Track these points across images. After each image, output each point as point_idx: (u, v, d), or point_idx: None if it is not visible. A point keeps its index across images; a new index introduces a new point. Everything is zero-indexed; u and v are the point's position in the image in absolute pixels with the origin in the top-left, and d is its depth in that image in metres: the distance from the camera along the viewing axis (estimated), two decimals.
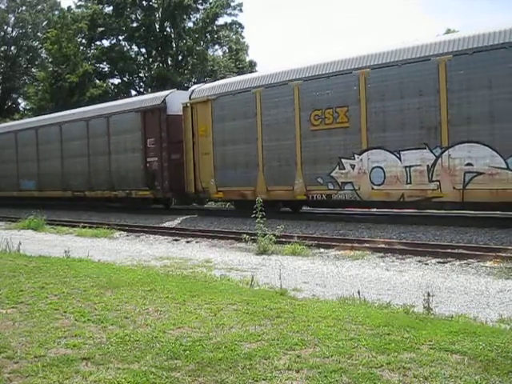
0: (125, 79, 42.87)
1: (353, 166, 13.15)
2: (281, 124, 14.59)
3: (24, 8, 50.96)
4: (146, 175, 18.74)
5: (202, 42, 42.39)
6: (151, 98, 19.51)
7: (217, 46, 44.08)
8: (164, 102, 18.31)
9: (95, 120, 21.02)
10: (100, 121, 20.76)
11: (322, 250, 10.76)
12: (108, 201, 21.60)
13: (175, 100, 18.21)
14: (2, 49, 50.58)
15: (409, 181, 12.16)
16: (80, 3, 42.73)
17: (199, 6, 41.54)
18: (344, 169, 13.32)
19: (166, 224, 16.71)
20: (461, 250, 9.52)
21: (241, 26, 43.43)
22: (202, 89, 17.24)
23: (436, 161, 11.69)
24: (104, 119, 20.57)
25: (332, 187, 13.58)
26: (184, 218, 17.56)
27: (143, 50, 42.82)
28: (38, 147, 24.20)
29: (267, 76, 15.34)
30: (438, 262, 9.01)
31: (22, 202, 26.06)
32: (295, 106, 14.23)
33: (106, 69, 42.62)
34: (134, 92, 41.89)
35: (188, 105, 17.18)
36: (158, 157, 18.26)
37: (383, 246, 10.61)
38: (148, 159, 18.65)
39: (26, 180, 25.27)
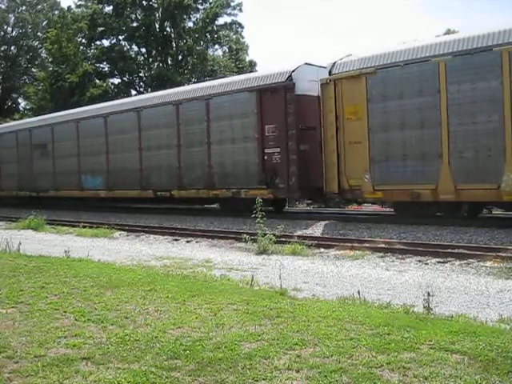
0: (125, 79, 42.89)
1: None
2: (478, 102, 11.22)
3: (24, 8, 50.97)
4: (262, 170, 15.08)
5: (201, 42, 42.42)
6: (271, 74, 15.50)
7: (217, 46, 44.19)
8: (290, 78, 14.76)
9: (189, 104, 17.34)
10: (196, 104, 17.08)
11: (322, 249, 10.76)
12: (204, 202, 18.49)
13: (303, 76, 14.89)
14: (2, 49, 50.58)
15: None
16: (80, 3, 42.83)
17: (199, 6, 41.59)
18: None
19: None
20: (461, 250, 9.52)
21: (241, 25, 43.54)
22: (351, 61, 13.59)
23: None
24: (202, 102, 16.84)
25: None
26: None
27: (143, 50, 42.86)
28: (108, 138, 20.36)
29: (459, 40, 11.73)
30: (438, 262, 9.01)
31: (84, 204, 22.86)
32: (504, 78, 10.84)
33: (106, 69, 42.65)
34: (134, 92, 41.93)
35: (329, 81, 13.70)
36: (282, 147, 14.77)
37: (383, 245, 10.61)
38: (266, 150, 15.05)
39: (89, 177, 21.44)
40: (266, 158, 15.09)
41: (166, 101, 18.44)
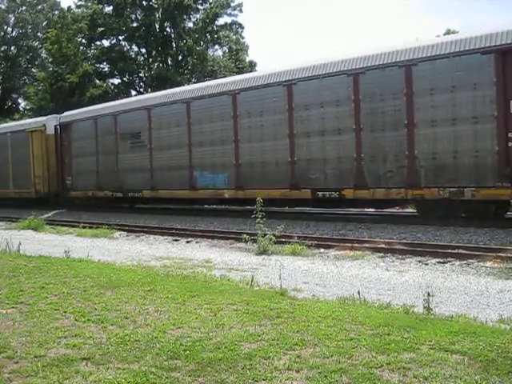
0: (125, 79, 42.89)
1: None
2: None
3: (24, 8, 50.98)
4: (506, 161, 11.11)
5: (201, 42, 42.42)
6: None
7: (217, 46, 44.17)
8: None
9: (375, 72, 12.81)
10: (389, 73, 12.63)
11: (322, 249, 10.76)
12: (392, 204, 14.63)
13: None
14: (2, 49, 50.58)
15: None
16: (80, 3, 42.79)
17: (199, 6, 41.59)
18: None
19: None
20: (461, 250, 9.52)
21: (241, 26, 43.53)
22: None
23: None
24: (401, 69, 12.41)
25: None
26: None
27: (143, 50, 42.85)
28: (238, 121, 15.69)
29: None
30: (438, 262, 9.01)
31: (195, 207, 19.26)
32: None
33: (106, 69, 42.65)
34: (134, 92, 41.94)
35: None
36: None
37: (383, 246, 10.61)
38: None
39: (206, 173, 16.88)
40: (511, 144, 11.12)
41: (343, 69, 13.54)
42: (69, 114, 23.19)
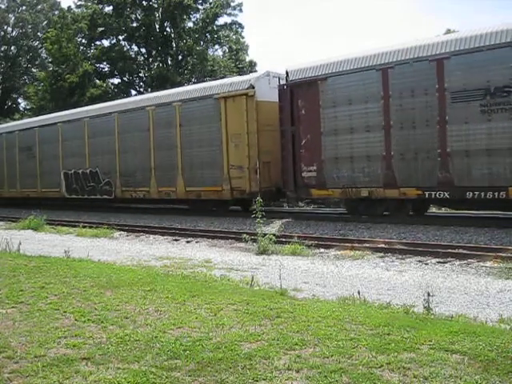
0: (125, 79, 42.91)
1: None
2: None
3: (24, 8, 50.97)
4: None
5: (201, 42, 42.43)
6: None
7: (217, 46, 44.17)
8: None
9: None
10: None
11: (322, 249, 10.77)
12: None
13: None
14: (2, 49, 50.59)
15: None
16: (80, 3, 42.80)
17: (199, 6, 41.60)
18: None
19: None
20: (461, 250, 9.52)
21: (241, 26, 43.55)
22: None
23: None
24: None
25: None
26: None
27: (143, 50, 42.87)
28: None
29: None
30: (438, 262, 9.01)
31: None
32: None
33: (106, 69, 42.66)
34: (134, 92, 41.95)
35: None
36: None
37: (383, 245, 10.62)
38: None
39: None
40: None
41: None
42: (312, 66, 14.58)
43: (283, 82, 15.35)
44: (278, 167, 15.39)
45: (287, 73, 14.94)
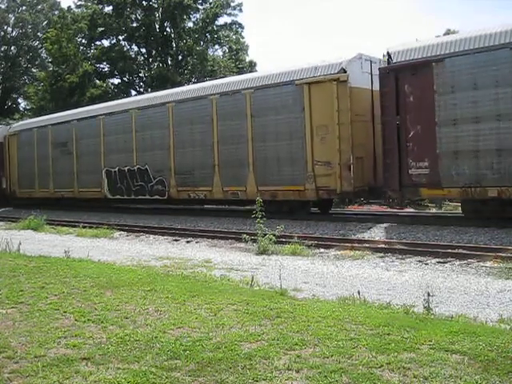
0: (125, 79, 42.91)
1: None
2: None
3: (24, 8, 50.97)
4: None
5: (201, 42, 42.45)
6: None
7: (217, 46, 44.20)
8: None
9: None
10: None
11: (321, 249, 10.77)
12: None
13: None
14: (2, 49, 50.57)
15: None
16: (80, 3, 42.82)
17: (199, 6, 41.62)
18: None
19: None
20: (461, 250, 9.53)
21: (241, 26, 43.58)
22: None
23: None
24: None
25: None
26: None
27: (143, 50, 42.89)
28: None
29: None
30: (438, 262, 9.01)
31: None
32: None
33: (106, 69, 42.66)
34: (133, 92, 41.95)
35: None
36: None
37: (383, 245, 10.62)
38: None
39: None
40: None
41: None
42: (422, 46, 12.78)
43: (382, 65, 13.68)
44: (371, 163, 13.98)
45: (389, 54, 13.07)
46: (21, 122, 29.49)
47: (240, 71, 37.97)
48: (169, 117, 18.12)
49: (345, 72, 13.75)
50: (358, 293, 6.25)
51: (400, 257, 9.61)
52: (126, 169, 19.73)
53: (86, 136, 21.59)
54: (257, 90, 15.60)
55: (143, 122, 19.07)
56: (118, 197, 20.39)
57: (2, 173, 26.72)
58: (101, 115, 20.97)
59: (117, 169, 20.16)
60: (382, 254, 9.88)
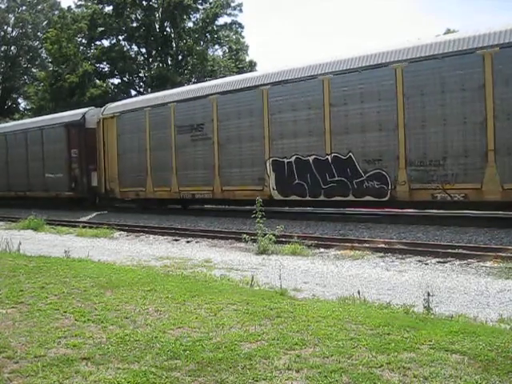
0: (125, 79, 42.92)
1: None
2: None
3: (24, 8, 51.00)
4: None
5: (201, 42, 42.46)
6: None
7: (217, 46, 44.24)
8: None
9: None
10: None
11: (321, 249, 10.76)
12: None
13: None
14: (2, 49, 50.61)
15: None
16: (80, 3, 42.87)
17: (199, 6, 41.64)
18: None
19: None
20: (461, 250, 9.52)
21: (241, 26, 43.63)
22: None
23: None
24: None
25: None
26: None
27: (143, 50, 42.91)
28: None
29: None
30: (438, 262, 9.01)
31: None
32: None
33: (106, 69, 42.68)
34: (133, 92, 41.95)
35: None
36: None
37: (383, 245, 10.62)
38: None
39: None
40: None
41: None
42: None
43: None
44: None
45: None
46: (120, 102, 22.35)
47: (240, 71, 37.96)
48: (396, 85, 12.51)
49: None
50: (358, 293, 6.25)
51: (400, 257, 9.61)
52: (310, 159, 14.37)
53: (236, 115, 15.99)
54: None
55: (349, 90, 13.38)
56: (293, 197, 14.94)
57: (91, 166, 21.43)
58: (265, 84, 15.28)
59: (293, 158, 14.73)
60: (382, 254, 9.88)
